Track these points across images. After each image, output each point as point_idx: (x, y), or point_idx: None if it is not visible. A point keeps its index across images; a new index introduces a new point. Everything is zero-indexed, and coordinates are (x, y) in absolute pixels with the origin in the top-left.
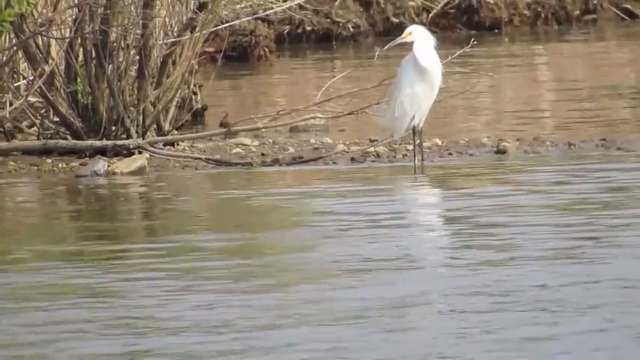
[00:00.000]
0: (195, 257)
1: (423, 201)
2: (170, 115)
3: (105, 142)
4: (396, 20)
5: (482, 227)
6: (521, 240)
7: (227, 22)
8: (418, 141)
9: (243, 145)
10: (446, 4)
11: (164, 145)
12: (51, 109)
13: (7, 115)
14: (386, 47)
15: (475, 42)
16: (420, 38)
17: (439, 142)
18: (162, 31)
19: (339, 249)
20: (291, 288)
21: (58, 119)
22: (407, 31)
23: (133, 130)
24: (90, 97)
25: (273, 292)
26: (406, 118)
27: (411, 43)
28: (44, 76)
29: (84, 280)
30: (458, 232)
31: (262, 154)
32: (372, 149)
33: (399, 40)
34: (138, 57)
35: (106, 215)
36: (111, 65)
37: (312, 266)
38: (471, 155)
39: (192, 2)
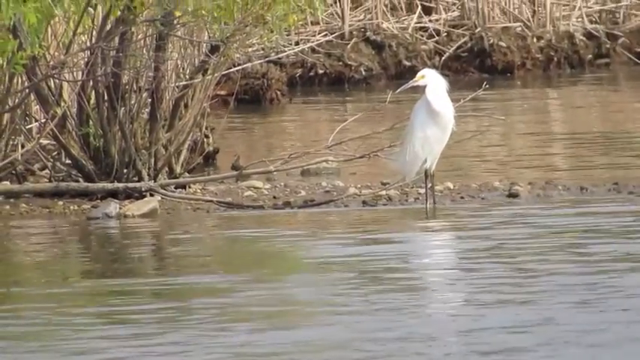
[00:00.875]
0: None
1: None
2: (182, 158)
3: (116, 184)
4: (408, 63)
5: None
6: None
7: (239, 64)
8: (430, 184)
9: (255, 187)
10: (458, 47)
11: (176, 187)
12: (63, 152)
13: (19, 158)
14: (398, 90)
15: (487, 86)
16: (433, 82)
17: (451, 185)
18: (174, 74)
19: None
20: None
21: (69, 162)
22: (419, 74)
23: (144, 173)
24: (102, 140)
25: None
26: (418, 161)
27: (424, 87)
28: (56, 119)
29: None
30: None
31: (274, 197)
32: (383, 192)
33: (411, 83)
34: (150, 99)
35: (103, 256)
36: (123, 108)
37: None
38: (482, 199)
39: (205, 45)
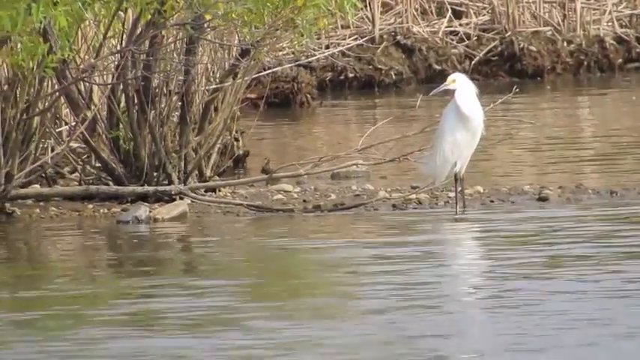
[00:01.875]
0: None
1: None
2: (212, 161)
3: (146, 187)
4: (438, 67)
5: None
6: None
7: (269, 68)
8: (460, 188)
9: (285, 191)
10: (488, 51)
11: (205, 191)
12: (93, 155)
13: (49, 161)
14: (430, 94)
15: (517, 90)
16: (463, 86)
17: (481, 189)
18: (204, 78)
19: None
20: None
21: (99, 165)
22: (450, 78)
23: (174, 176)
24: (132, 143)
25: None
26: (447, 165)
27: (454, 91)
28: (86, 122)
29: None
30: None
31: (304, 201)
32: (413, 196)
33: (442, 87)
34: (180, 103)
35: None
36: (153, 111)
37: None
38: (512, 203)
39: (235, 49)
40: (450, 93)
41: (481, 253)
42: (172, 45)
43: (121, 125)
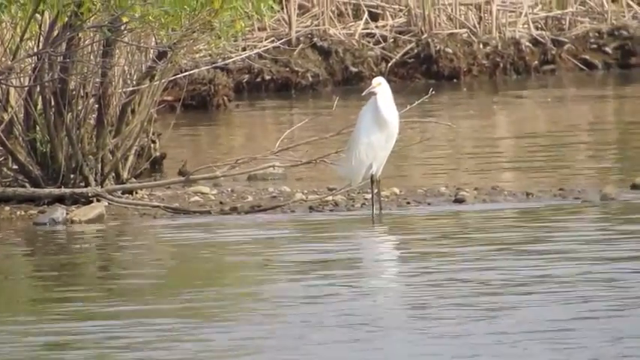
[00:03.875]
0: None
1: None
2: (129, 164)
3: (63, 190)
4: (355, 70)
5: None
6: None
7: (186, 70)
8: (376, 190)
9: (202, 193)
10: (405, 53)
11: (122, 193)
12: (10, 157)
13: None
14: (363, 94)
15: (434, 91)
16: (384, 90)
17: (397, 191)
18: (121, 80)
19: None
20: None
21: (16, 167)
22: (375, 81)
23: (91, 178)
24: (49, 145)
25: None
26: (363, 166)
27: (373, 94)
28: (3, 124)
29: None
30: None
31: (221, 203)
32: (330, 198)
33: (370, 89)
34: (97, 105)
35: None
36: (70, 113)
37: None
38: (429, 204)
39: (152, 51)
40: (367, 96)
41: (394, 256)
42: (89, 47)
43: (38, 127)
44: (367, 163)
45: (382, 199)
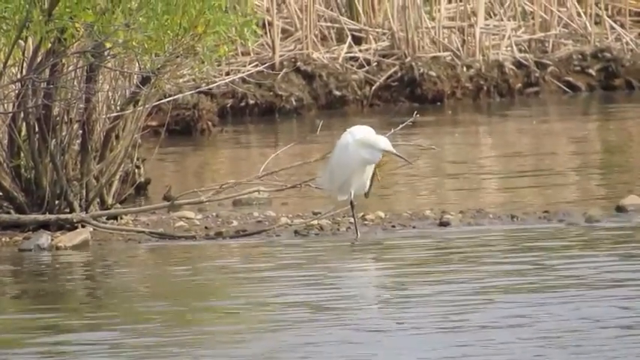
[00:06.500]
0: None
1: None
2: (113, 189)
3: (48, 216)
4: (338, 93)
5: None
6: None
7: (170, 95)
8: (351, 213)
9: (187, 218)
10: (388, 77)
11: (107, 218)
12: None
13: None
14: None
15: (418, 115)
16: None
17: (382, 214)
18: (105, 105)
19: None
20: None
21: (1, 193)
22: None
23: (76, 204)
24: (33, 171)
25: None
26: (336, 184)
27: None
28: None
29: None
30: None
31: (206, 227)
32: (315, 222)
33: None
34: (81, 131)
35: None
36: (54, 139)
37: None
38: (414, 228)
39: (135, 76)
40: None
41: (373, 277)
42: (73, 73)
43: (22, 154)
44: (341, 181)
45: (367, 222)
